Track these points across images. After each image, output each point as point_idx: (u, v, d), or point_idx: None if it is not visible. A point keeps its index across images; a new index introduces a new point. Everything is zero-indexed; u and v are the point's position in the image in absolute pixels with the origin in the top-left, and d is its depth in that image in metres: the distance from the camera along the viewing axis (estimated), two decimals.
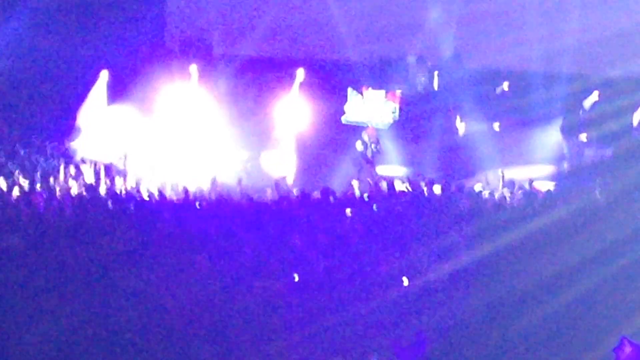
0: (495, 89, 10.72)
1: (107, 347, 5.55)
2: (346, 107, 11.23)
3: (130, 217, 6.53)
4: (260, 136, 10.54)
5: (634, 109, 10.87)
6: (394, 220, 7.48)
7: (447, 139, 10.59)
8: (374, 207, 7.57)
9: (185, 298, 5.94)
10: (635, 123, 10.69)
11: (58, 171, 8.67)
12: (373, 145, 10.09)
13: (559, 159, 10.63)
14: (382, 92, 11.36)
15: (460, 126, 11.04)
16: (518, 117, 10.90)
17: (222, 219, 7.26)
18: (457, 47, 11.11)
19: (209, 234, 6.81)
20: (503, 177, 9.24)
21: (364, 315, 6.06)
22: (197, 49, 11.42)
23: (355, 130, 10.95)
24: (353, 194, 8.14)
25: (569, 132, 10.96)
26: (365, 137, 10.18)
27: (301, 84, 11.38)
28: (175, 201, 7.84)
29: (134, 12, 11.06)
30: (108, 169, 8.94)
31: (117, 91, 10.96)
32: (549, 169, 10.76)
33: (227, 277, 6.08)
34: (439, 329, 5.86)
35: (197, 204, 7.80)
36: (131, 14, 10.99)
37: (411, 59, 11.14)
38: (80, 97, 10.75)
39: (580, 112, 10.74)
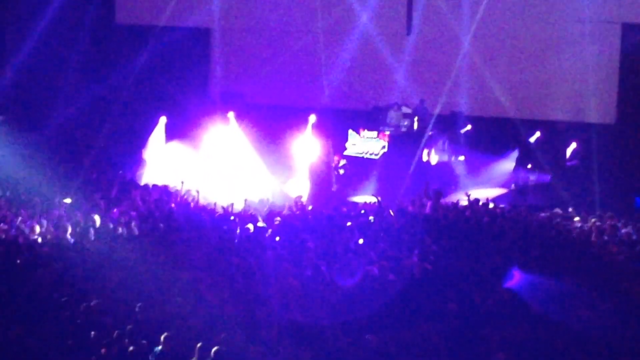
0: (461, 130, 13.47)
1: None
2: (347, 144, 13.53)
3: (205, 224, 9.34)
4: (282, 166, 13.08)
5: (568, 144, 13.80)
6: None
7: (424, 167, 13.07)
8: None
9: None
10: (568, 155, 13.52)
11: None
12: None
13: (509, 183, 13.29)
14: (375, 132, 13.57)
15: (434, 158, 13.30)
16: (480, 150, 13.53)
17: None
18: (422, 98, 13.66)
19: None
20: (469, 197, 12.00)
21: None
22: (233, 99, 14.21)
23: (355, 160, 13.65)
24: None
25: (519, 162, 13.66)
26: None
27: (313, 125, 13.43)
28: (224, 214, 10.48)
29: (186, 72, 14.21)
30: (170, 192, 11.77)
31: (173, 132, 13.67)
32: (503, 191, 12.97)
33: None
34: None
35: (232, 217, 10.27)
36: (184, 73, 14.12)
37: (396, 108, 13.41)
38: (145, 137, 13.89)
39: (527, 146, 13.68)
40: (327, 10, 14.32)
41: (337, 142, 13.42)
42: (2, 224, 9.11)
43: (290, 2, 14.65)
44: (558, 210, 10.68)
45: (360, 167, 13.49)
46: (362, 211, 10.46)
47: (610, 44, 13.14)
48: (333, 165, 13.16)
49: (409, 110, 13.44)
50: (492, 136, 13.61)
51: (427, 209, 10.26)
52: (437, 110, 13.39)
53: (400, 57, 13.97)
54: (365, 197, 11.95)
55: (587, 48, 12.81)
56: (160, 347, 6.22)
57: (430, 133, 13.24)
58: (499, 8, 13.45)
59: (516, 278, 7.92)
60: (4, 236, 8.53)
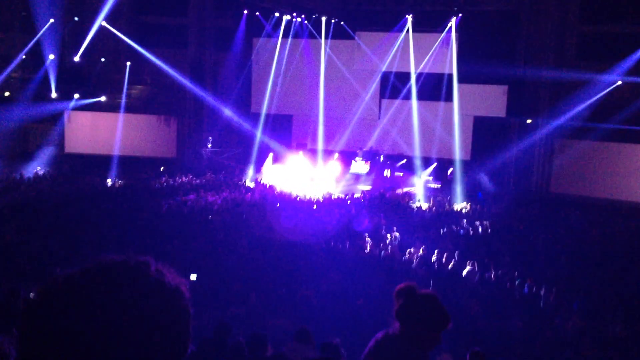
0: (400, 161, 29.03)
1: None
2: (351, 167, 28.58)
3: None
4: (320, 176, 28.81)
5: (448, 169, 29.05)
6: None
7: (384, 177, 28.65)
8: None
9: None
10: (448, 173, 28.90)
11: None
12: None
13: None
14: (364, 161, 27.28)
15: (388, 173, 29.07)
16: (408, 171, 28.86)
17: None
18: (376, 148, 29.35)
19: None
20: (404, 191, 27.38)
21: None
22: (301, 146, 30.22)
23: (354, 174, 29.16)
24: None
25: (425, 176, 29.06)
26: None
27: (337, 157, 29.93)
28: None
29: (282, 132, 30.24)
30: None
31: (275, 159, 29.26)
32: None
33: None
34: None
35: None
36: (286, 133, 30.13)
37: (373, 151, 29.06)
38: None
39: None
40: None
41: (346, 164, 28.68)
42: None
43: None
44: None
45: (357, 176, 27.88)
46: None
47: (468, 124, 28.10)
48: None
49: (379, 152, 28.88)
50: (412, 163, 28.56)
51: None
52: (391, 152, 28.48)
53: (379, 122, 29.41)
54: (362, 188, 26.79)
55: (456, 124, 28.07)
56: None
57: (387, 162, 28.37)
58: None
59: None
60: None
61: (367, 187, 24.97)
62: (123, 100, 27.91)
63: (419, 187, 25.75)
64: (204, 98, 28.23)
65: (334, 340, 6.35)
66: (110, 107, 28.13)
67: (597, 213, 20.28)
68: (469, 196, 24.55)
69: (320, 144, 27.96)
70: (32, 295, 1.34)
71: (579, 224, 19.47)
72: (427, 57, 26.96)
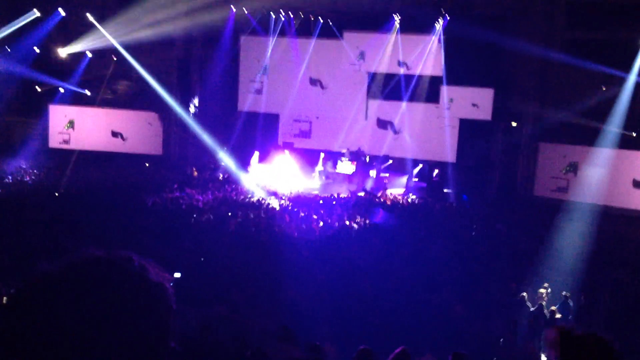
0: (385, 163, 29.16)
1: None
2: (337, 166, 28.78)
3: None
4: (308, 174, 28.81)
5: (433, 170, 29.12)
6: None
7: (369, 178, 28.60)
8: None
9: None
10: (434, 175, 28.98)
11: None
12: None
13: (406, 187, 28.70)
14: (350, 162, 26.96)
15: (374, 174, 28.98)
16: (393, 171, 28.91)
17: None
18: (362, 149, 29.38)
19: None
20: (389, 193, 27.44)
21: None
22: (287, 145, 30.26)
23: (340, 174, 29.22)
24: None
25: (411, 177, 29.09)
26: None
27: (323, 158, 29.94)
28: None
29: (267, 133, 30.22)
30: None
31: (260, 158, 29.23)
32: (402, 190, 28.83)
33: None
34: None
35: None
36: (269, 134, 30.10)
37: (361, 152, 29.18)
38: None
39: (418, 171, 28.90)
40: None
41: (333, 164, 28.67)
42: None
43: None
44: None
45: (343, 176, 27.36)
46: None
47: (454, 127, 28.25)
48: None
49: (367, 153, 28.88)
50: (399, 165, 28.62)
51: None
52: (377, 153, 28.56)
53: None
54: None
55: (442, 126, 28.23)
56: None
57: (374, 163, 28.43)
58: None
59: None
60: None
61: (353, 187, 24.93)
62: (105, 95, 27.62)
63: (403, 188, 25.99)
64: (191, 95, 28.04)
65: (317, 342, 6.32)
66: (95, 101, 27.85)
67: (584, 218, 20.32)
68: (455, 198, 24.77)
69: (306, 144, 27.82)
70: (12, 291, 1.33)
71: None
72: (414, 59, 27.03)
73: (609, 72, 22.94)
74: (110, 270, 1.31)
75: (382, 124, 28.34)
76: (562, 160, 24.75)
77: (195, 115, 28.41)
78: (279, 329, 6.46)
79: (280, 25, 28.43)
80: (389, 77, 27.96)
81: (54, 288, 1.26)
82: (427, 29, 26.72)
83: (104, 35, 26.41)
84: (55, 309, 1.23)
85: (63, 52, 26.79)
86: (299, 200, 21.76)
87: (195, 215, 17.93)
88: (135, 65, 26.58)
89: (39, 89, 26.94)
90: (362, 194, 24.46)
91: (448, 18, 26.22)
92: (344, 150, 26.97)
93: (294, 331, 6.51)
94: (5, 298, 1.29)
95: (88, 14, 26.42)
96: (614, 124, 23.20)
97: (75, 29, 26.60)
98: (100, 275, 1.29)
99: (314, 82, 28.78)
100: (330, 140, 28.19)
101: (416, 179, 27.08)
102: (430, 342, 7.31)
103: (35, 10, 25.98)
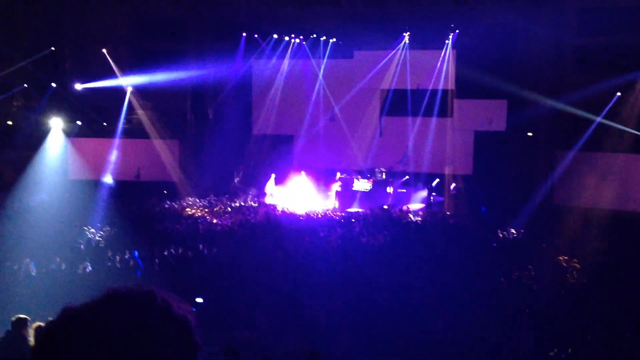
0: (403, 178, 29.08)
1: None
2: (354, 184, 27.82)
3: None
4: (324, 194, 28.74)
5: (450, 184, 29.01)
6: None
7: (387, 194, 28.33)
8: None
9: None
10: (451, 188, 28.86)
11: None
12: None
13: (425, 201, 28.46)
14: (366, 180, 26.30)
15: (390, 190, 28.61)
16: (410, 186, 28.78)
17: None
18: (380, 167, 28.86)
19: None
20: (407, 208, 27.29)
21: None
22: (303, 166, 30.27)
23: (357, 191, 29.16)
24: None
25: (429, 192, 28.84)
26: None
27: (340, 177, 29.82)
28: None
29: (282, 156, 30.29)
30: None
31: (277, 181, 29.23)
32: (421, 205, 28.64)
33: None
34: None
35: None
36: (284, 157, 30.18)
37: (378, 170, 28.15)
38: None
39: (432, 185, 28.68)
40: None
41: (349, 183, 28.74)
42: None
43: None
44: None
45: (360, 194, 26.71)
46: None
47: (469, 139, 28.19)
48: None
49: (383, 170, 28.80)
50: (414, 180, 28.40)
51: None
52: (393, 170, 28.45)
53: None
54: (358, 208, 26.56)
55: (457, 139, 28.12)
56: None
57: (390, 179, 28.36)
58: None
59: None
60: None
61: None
62: (122, 126, 27.92)
63: (423, 203, 25.92)
64: (205, 121, 28.28)
65: None
66: (114, 133, 28.11)
67: (604, 224, 19.85)
68: (472, 210, 24.55)
69: (321, 164, 27.83)
70: (42, 325, 1.36)
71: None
72: (426, 74, 27.08)
73: (623, 78, 22.63)
74: (134, 307, 1.31)
75: (397, 139, 28.32)
76: (581, 168, 24.48)
77: (210, 140, 28.54)
78: (304, 353, 6.41)
79: (291, 47, 28.65)
80: (401, 93, 28.01)
81: (79, 326, 1.26)
82: (437, 43, 26.81)
83: (118, 75, 26.85)
84: (82, 347, 1.23)
85: (79, 86, 27.17)
86: (317, 220, 21.72)
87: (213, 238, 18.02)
88: (150, 94, 26.89)
89: (56, 123, 27.26)
90: (384, 208, 24.33)
91: (457, 32, 26.25)
92: (377, 170, 26.65)
93: (320, 354, 6.46)
94: (37, 333, 1.33)
95: (104, 50, 26.73)
96: (631, 129, 22.98)
97: (90, 64, 26.90)
98: (124, 312, 1.29)
99: (327, 101, 28.89)
100: (345, 159, 28.14)
101: (434, 194, 26.91)
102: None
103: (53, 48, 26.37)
